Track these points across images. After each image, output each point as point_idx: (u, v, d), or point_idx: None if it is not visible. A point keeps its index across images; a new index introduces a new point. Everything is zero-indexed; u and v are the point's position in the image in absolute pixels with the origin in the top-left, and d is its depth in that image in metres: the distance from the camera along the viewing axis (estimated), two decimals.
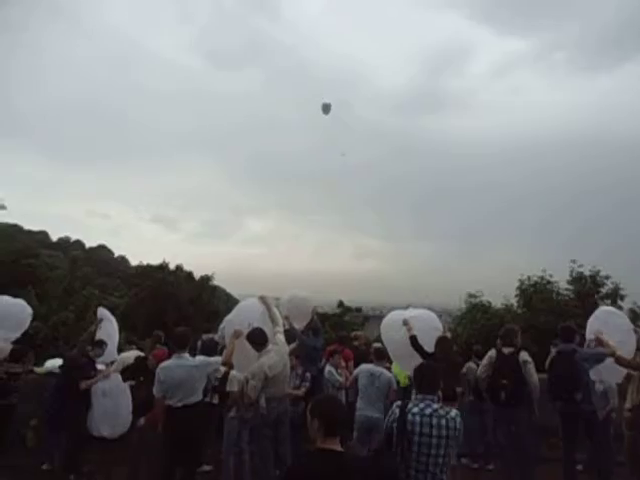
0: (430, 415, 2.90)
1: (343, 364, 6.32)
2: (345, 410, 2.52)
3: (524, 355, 5.01)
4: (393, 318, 5.92)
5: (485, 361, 5.25)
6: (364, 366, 5.71)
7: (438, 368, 3.34)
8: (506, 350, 5.11)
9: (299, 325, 7.52)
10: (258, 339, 4.58)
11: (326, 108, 12.24)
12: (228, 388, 5.06)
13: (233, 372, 5.12)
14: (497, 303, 14.46)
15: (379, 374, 5.45)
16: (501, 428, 5.25)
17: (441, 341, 5.28)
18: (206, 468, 5.54)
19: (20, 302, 6.79)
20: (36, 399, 6.05)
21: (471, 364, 6.36)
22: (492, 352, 5.25)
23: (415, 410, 2.94)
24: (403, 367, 5.91)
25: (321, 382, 6.15)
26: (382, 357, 5.83)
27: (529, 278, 13.90)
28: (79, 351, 6.01)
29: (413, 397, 3.12)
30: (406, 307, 6.24)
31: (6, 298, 6.73)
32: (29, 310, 6.77)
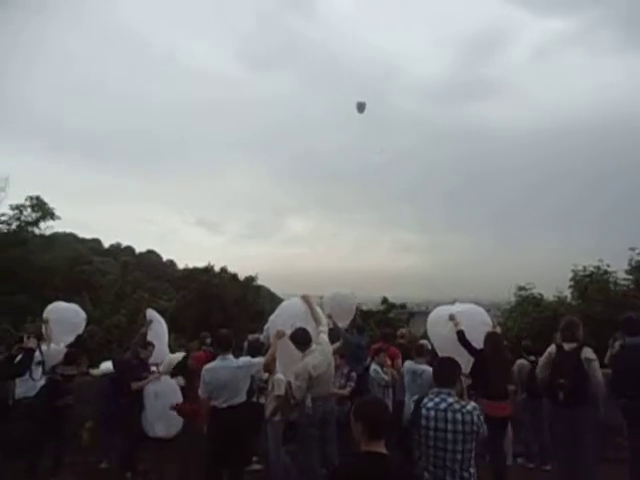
0: (445, 410, 2.83)
1: (389, 362, 6.19)
2: (389, 412, 2.45)
3: (587, 352, 4.60)
4: (439, 314, 5.74)
5: (544, 358, 4.92)
6: (407, 363, 5.66)
7: (456, 362, 3.26)
8: (567, 346, 4.71)
9: (342, 323, 7.46)
10: (301, 339, 4.54)
11: (361, 107, 12.22)
12: (276, 392, 5.05)
13: (279, 375, 5.10)
14: (549, 295, 13.89)
15: (421, 371, 5.37)
16: (559, 427, 4.97)
17: (491, 337, 5.06)
18: (256, 467, 5.57)
19: (74, 307, 7.09)
20: (92, 401, 6.26)
21: (522, 360, 6.11)
22: (552, 348, 4.89)
23: (430, 405, 2.89)
24: None
25: (367, 381, 6.06)
26: (422, 353, 5.73)
27: (584, 268, 13.25)
28: (131, 353, 6.20)
29: (430, 391, 3.06)
30: (452, 302, 6.02)
31: (61, 303, 7.05)
32: (83, 314, 7.05)
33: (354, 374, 5.75)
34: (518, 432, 5.90)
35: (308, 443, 4.42)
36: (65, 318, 6.66)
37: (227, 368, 4.23)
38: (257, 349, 5.99)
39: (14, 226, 24.00)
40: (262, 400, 5.95)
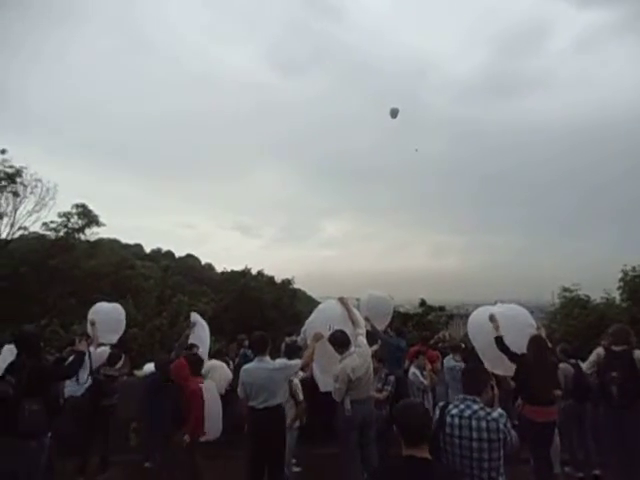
0: (469, 417, 2.77)
1: (429, 366, 6.09)
2: (428, 416, 2.39)
3: (639, 353, 4.50)
4: (480, 315, 5.58)
5: (592, 357, 4.79)
6: (446, 361, 5.77)
7: (486, 371, 3.23)
8: (617, 347, 4.61)
9: (380, 326, 7.39)
10: (340, 341, 4.52)
11: (394, 113, 12.33)
12: (299, 397, 5.09)
13: (296, 380, 5.12)
14: (596, 297, 13.34)
15: (459, 368, 5.38)
16: (610, 431, 4.76)
17: (534, 340, 4.88)
18: (294, 469, 5.59)
19: (116, 306, 7.30)
20: (136, 401, 6.46)
21: (566, 365, 5.88)
22: (600, 349, 4.77)
23: (454, 412, 2.84)
24: (493, 368, 5.55)
25: (406, 384, 5.98)
26: (459, 351, 5.74)
27: (634, 269, 12.65)
28: (175, 355, 6.34)
29: (456, 397, 3.01)
30: (494, 303, 5.83)
31: (104, 304, 7.28)
32: (124, 313, 7.28)
33: (392, 378, 5.68)
34: (565, 439, 5.68)
35: (348, 446, 4.39)
36: (109, 318, 6.90)
37: (264, 370, 4.26)
38: (294, 351, 6.02)
39: (62, 233, 25.13)
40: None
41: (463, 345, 6.02)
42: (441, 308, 21.17)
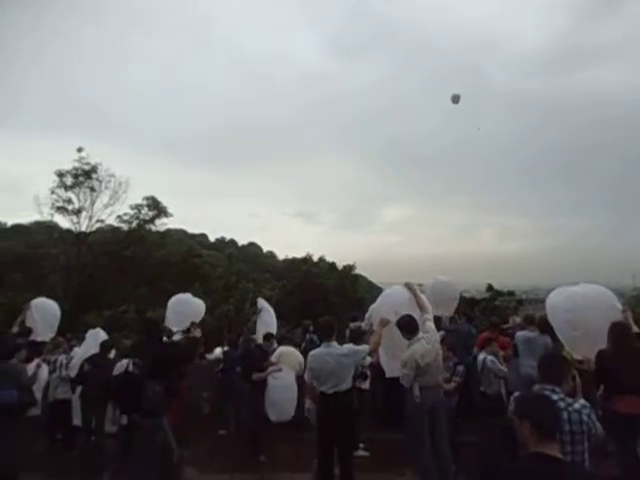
0: None
1: (501, 352, 5.84)
2: (558, 408, 2.26)
3: None
4: (559, 295, 5.21)
5: None
6: (519, 334, 5.76)
7: (565, 360, 3.07)
8: None
9: (447, 311, 7.20)
10: (408, 327, 4.44)
11: (455, 98, 11.96)
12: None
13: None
14: None
15: (533, 337, 5.51)
16: None
17: (615, 326, 4.51)
18: (362, 453, 5.62)
19: (195, 300, 7.82)
20: (208, 378, 7.10)
21: None
22: None
23: None
24: (572, 349, 5.20)
25: (476, 372, 5.79)
26: (533, 322, 5.78)
27: None
28: (244, 341, 6.75)
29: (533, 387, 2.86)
30: (576, 283, 5.41)
31: (179, 296, 7.79)
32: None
33: (460, 368, 5.49)
34: None
35: (417, 432, 4.32)
36: (191, 306, 7.45)
37: (331, 355, 4.26)
38: (359, 336, 6.02)
39: (134, 224, 26.62)
40: (364, 386, 6.01)
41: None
42: (510, 293, 20.27)
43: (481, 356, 5.67)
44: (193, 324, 6.11)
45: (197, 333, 5.45)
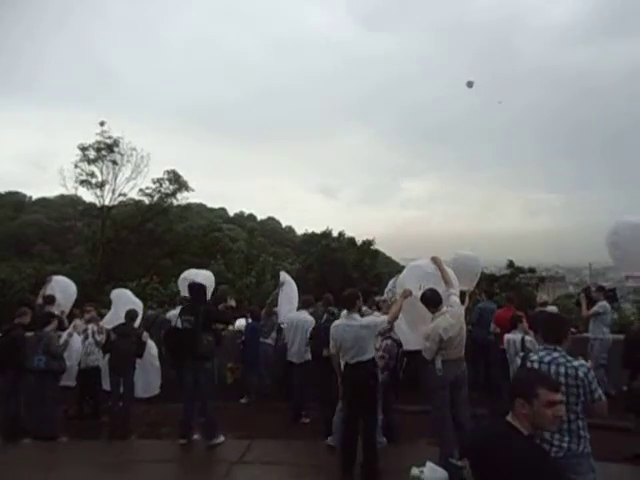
0: (549, 363, 2.85)
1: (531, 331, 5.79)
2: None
3: None
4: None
5: None
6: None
7: (564, 319, 3.34)
8: None
9: (468, 286, 7.13)
10: (432, 300, 4.45)
11: (470, 84, 11.82)
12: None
13: None
14: None
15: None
16: None
17: None
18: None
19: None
20: (231, 349, 7.32)
21: None
22: None
23: (534, 358, 2.95)
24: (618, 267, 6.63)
25: (495, 349, 5.78)
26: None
27: None
28: (266, 313, 7.18)
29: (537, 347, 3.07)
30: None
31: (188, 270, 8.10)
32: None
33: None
34: None
35: (439, 405, 4.36)
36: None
37: (352, 326, 4.35)
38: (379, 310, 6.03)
39: (156, 198, 26.90)
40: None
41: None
42: (531, 270, 19.98)
43: (513, 336, 5.63)
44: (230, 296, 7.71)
45: (232, 302, 7.31)
